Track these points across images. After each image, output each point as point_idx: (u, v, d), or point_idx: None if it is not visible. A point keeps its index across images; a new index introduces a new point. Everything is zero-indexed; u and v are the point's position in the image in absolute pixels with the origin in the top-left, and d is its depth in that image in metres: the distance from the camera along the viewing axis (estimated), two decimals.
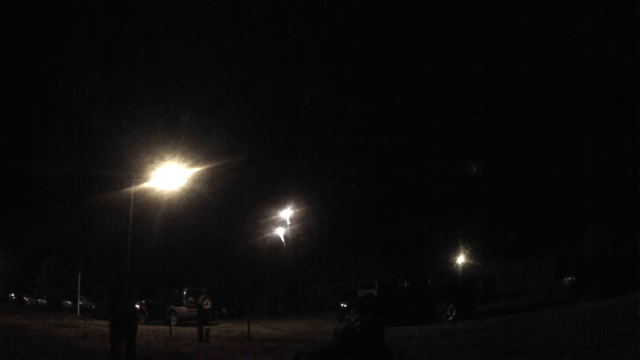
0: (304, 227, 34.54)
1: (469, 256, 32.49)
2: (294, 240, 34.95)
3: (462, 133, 31.83)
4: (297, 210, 34.21)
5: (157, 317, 21.68)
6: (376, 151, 34.74)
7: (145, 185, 18.54)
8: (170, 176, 18.60)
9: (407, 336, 11.75)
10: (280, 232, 35.39)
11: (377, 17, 34.71)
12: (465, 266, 32.23)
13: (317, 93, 37.19)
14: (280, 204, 34.16)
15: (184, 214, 29.71)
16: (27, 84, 41.24)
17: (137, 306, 20.45)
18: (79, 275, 27.27)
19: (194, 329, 15.23)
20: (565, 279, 16.87)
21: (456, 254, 32.95)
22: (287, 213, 34.34)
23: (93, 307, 27.13)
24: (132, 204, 17.92)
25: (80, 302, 27.59)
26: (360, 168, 35.19)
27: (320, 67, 38.72)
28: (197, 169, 19.82)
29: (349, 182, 34.80)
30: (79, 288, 27.44)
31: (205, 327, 14.17)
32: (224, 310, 28.09)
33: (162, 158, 18.52)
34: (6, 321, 17.25)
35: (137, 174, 18.28)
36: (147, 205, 21.97)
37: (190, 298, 21.70)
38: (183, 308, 21.81)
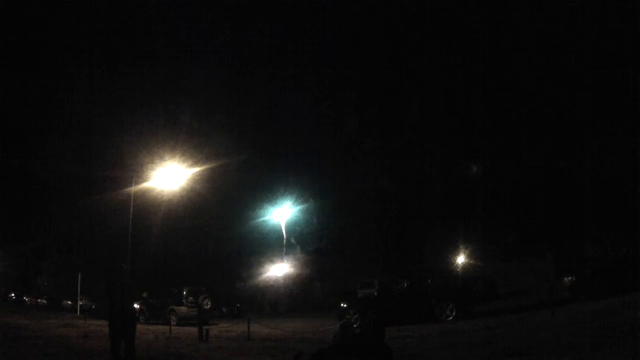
0: (304, 227, 34.56)
1: (469, 256, 32.46)
2: (293, 239, 34.95)
3: (463, 133, 31.81)
4: (297, 209, 34.23)
5: (157, 317, 21.71)
6: (376, 150, 34.73)
7: (145, 185, 18.57)
8: (170, 176, 18.62)
9: (407, 336, 11.74)
10: (279, 231, 35.37)
11: (377, 15, 34.75)
12: (465, 266, 32.21)
13: (316, 93, 37.22)
14: (279, 203, 34.16)
15: (184, 214, 29.76)
16: (27, 84, 41.20)
17: (137, 306, 20.57)
18: (79, 275, 27.30)
19: (194, 329, 15.24)
20: (565, 279, 16.85)
21: (456, 254, 32.92)
22: (286, 212, 34.33)
23: (93, 307, 27.17)
24: (132, 204, 17.94)
25: (80, 302, 27.65)
26: (359, 167, 35.18)
27: (320, 67, 38.73)
28: (197, 169, 19.89)
29: (348, 182, 34.81)
30: (79, 288, 27.49)
31: (205, 327, 14.18)
32: (224, 310, 28.07)
33: (162, 158, 18.57)
34: (6, 321, 17.26)
35: (137, 174, 18.32)
36: (147, 205, 22.02)
37: (190, 298, 21.75)
38: (183, 308, 21.83)
